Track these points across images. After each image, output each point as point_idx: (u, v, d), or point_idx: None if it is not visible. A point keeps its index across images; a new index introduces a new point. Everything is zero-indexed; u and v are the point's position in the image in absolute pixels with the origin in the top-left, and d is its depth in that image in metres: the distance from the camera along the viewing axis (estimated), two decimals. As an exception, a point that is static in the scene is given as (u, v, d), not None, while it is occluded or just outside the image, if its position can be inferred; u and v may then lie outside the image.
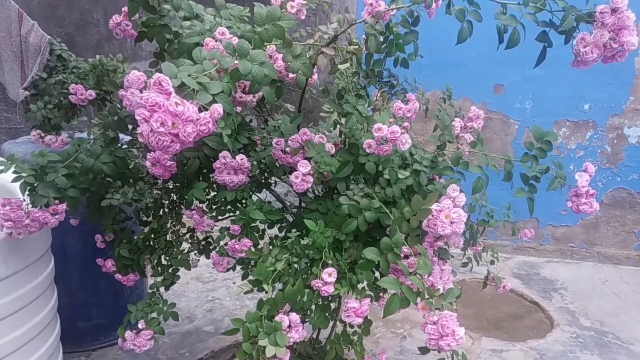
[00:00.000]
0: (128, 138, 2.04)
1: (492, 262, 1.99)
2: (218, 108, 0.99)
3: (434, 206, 1.26)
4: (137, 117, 0.94)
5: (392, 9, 1.36)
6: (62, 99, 2.03)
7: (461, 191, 1.32)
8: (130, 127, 1.87)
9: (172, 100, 0.93)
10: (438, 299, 1.18)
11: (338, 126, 1.75)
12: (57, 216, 1.63)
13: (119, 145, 1.90)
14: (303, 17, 1.88)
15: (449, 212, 1.26)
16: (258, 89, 1.19)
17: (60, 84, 2.04)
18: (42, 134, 2.09)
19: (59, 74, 2.07)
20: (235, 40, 1.40)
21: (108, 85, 1.92)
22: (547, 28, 1.30)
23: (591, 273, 3.85)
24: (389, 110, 1.36)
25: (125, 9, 1.80)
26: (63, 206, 1.64)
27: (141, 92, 0.96)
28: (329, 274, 1.20)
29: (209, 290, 3.20)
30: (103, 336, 2.50)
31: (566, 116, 3.79)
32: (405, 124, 1.25)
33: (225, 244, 1.65)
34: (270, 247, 1.49)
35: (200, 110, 1.01)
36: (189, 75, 1.03)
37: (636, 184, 3.84)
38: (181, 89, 1.02)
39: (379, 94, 1.87)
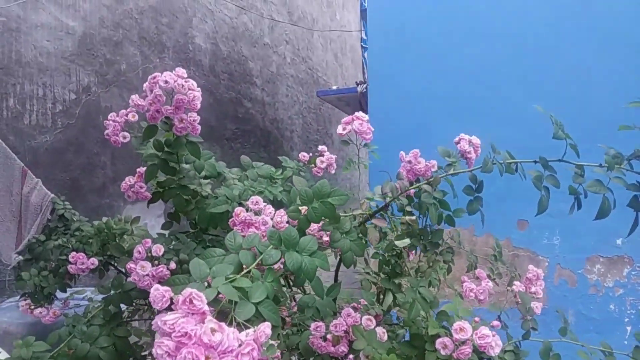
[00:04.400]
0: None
1: None
2: (266, 329, 0.73)
3: None
4: (159, 351, 0.68)
5: (449, 174, 1.18)
6: (60, 265, 1.79)
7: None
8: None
9: (208, 326, 0.68)
10: None
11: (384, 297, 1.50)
12: None
13: (121, 319, 1.62)
14: (333, 172, 1.72)
15: None
16: (304, 282, 0.96)
17: (60, 249, 1.81)
18: (32, 305, 1.81)
19: (59, 236, 1.85)
20: (269, 209, 1.20)
21: (113, 250, 1.70)
22: (638, 192, 1.10)
23: None
24: (458, 294, 1.11)
25: (140, 169, 1.64)
26: (45, 413, 1.31)
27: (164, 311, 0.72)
28: None
29: None
30: None
31: (598, 252, 3.55)
32: (495, 322, 1.00)
33: None
34: None
35: (238, 328, 0.76)
36: (226, 279, 0.79)
37: (688, 324, 3.47)
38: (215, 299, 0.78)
39: (421, 255, 1.64)
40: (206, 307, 0.71)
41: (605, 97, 3.24)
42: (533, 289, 1.58)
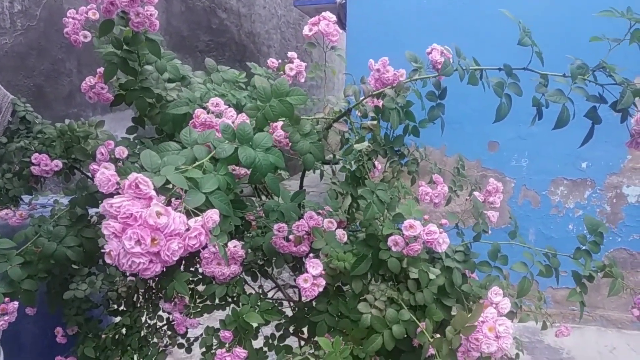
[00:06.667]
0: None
1: (517, 356, 1.74)
2: (213, 215, 0.75)
3: (475, 317, 1.03)
4: (105, 232, 0.69)
5: (414, 79, 1.16)
6: (23, 167, 1.77)
7: (505, 295, 1.09)
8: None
9: (153, 209, 0.69)
10: None
11: (344, 200, 1.53)
12: (6, 317, 1.34)
13: (88, 222, 1.64)
14: (303, 80, 1.69)
15: (493, 323, 1.03)
16: (260, 179, 0.96)
17: (22, 151, 1.78)
18: (-2, 207, 1.81)
19: (22, 139, 1.81)
20: (231, 112, 1.18)
21: (78, 153, 1.68)
22: (597, 104, 1.11)
23: (596, 339, 3.62)
24: (412, 197, 1.14)
25: (100, 69, 1.58)
26: (15, 304, 1.36)
27: (112, 195, 0.72)
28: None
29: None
30: None
31: (563, 174, 3.66)
32: (443, 221, 1.04)
33: (211, 349, 1.38)
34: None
35: (188, 216, 0.77)
36: (176, 169, 0.79)
37: (637, 244, 3.68)
38: (165, 186, 0.79)
39: (387, 164, 1.66)
40: (153, 193, 0.71)
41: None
42: (491, 199, 1.63)
